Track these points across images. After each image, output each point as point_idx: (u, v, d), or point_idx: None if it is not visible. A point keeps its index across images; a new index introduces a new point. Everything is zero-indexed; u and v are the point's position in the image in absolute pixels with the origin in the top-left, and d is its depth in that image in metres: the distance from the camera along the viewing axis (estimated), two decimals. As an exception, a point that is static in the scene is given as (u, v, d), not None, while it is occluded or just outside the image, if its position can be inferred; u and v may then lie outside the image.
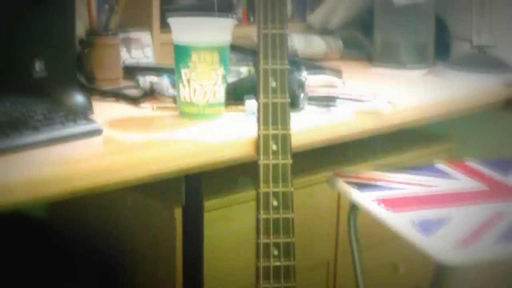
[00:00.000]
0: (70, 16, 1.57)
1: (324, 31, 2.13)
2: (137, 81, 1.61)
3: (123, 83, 1.66)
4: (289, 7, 2.12)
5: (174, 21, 1.42)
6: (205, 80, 1.39)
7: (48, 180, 1.09)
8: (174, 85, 1.45)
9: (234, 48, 1.49)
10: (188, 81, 1.39)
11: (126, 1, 1.69)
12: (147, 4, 1.82)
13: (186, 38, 1.39)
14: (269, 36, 1.28)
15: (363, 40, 2.14)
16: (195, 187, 1.55)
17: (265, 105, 1.28)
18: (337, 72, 1.80)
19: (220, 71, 1.40)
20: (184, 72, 1.39)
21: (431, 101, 1.73)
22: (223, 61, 1.40)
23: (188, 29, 1.41)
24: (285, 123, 1.29)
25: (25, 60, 1.47)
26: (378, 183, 1.57)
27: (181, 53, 1.40)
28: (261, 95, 1.29)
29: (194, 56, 1.38)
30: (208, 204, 1.60)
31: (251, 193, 1.32)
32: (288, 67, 1.29)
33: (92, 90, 1.59)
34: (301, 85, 1.48)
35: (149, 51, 1.78)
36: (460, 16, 2.13)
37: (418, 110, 1.68)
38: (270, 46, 1.28)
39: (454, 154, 2.13)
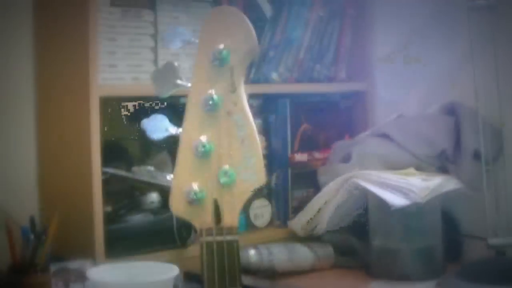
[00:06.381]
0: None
1: (309, 238, 1.85)
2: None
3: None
4: (268, 211, 1.85)
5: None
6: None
7: None
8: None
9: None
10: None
11: (59, 227, 1.41)
12: (88, 228, 1.52)
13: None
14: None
15: (357, 246, 1.85)
16: None
17: None
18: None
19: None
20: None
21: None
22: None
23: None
24: None
25: None
26: None
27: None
28: None
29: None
30: None
31: None
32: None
33: None
34: None
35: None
36: (473, 210, 1.88)
37: None
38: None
39: None
